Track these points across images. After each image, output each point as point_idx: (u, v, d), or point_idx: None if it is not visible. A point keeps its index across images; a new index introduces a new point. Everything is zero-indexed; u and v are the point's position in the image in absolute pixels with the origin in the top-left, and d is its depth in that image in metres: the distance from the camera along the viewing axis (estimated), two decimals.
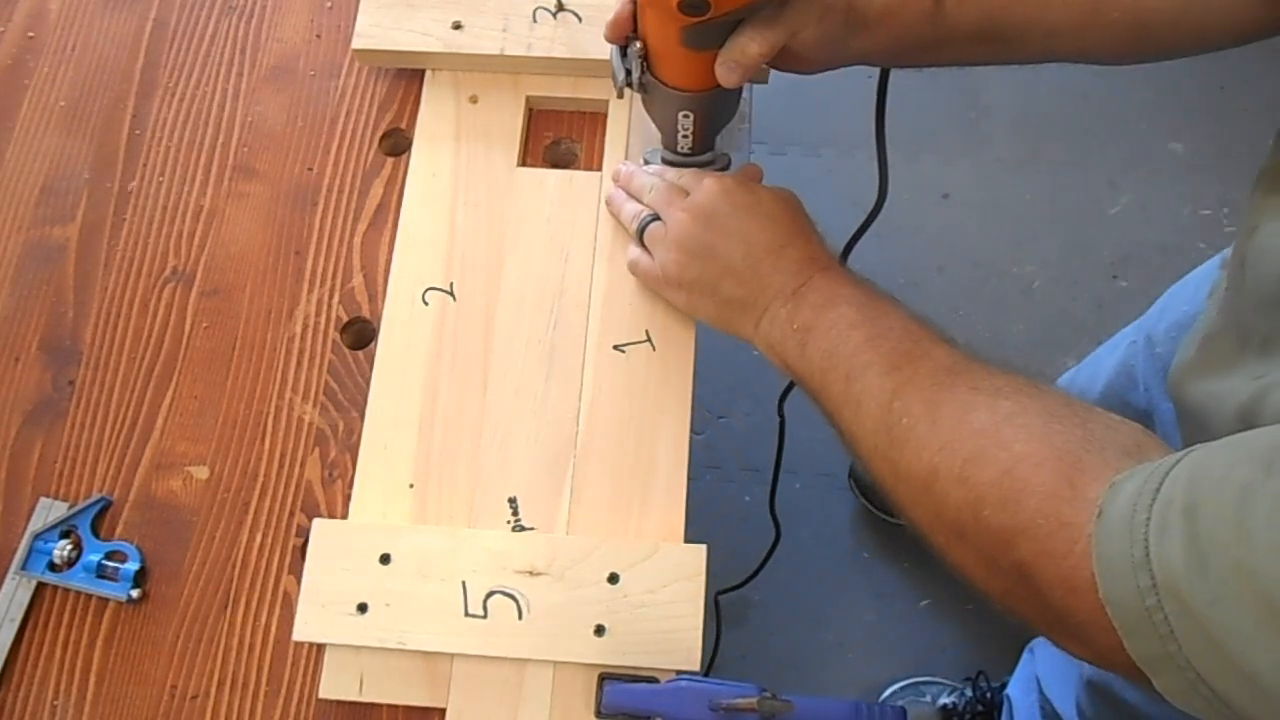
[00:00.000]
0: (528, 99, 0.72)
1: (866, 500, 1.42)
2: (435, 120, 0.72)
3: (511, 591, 0.58)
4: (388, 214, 0.71)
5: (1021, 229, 1.59)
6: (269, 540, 0.63)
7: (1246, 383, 0.46)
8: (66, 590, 0.62)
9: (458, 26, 0.71)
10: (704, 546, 0.59)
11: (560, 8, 0.71)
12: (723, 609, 0.79)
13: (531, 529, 0.61)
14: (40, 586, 0.62)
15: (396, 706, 0.59)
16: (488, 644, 0.57)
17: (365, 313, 0.68)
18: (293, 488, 0.64)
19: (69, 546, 0.62)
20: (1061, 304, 1.55)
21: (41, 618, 0.62)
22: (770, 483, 0.85)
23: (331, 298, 0.69)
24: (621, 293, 0.67)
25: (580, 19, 0.71)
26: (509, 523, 0.61)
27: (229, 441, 0.65)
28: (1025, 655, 1.16)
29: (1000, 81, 1.65)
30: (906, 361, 0.52)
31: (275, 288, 0.69)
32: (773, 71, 0.63)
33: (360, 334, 0.68)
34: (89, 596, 0.62)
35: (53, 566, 0.62)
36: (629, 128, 0.71)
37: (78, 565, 0.62)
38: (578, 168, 0.72)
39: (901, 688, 1.34)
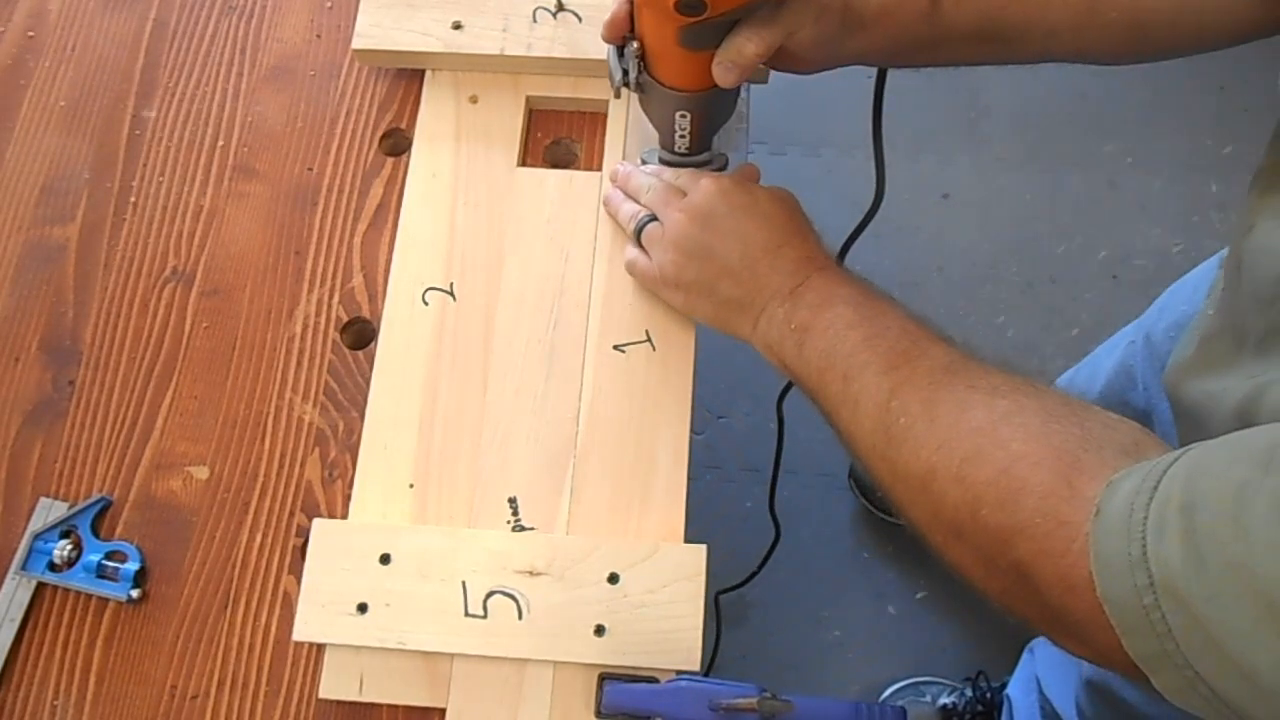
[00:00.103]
0: (528, 99, 0.72)
1: (866, 500, 1.42)
2: (435, 120, 0.72)
3: (511, 591, 0.58)
4: (388, 214, 0.71)
5: (1021, 229, 1.59)
6: (269, 540, 0.63)
7: (1243, 382, 0.46)
8: (66, 590, 0.62)
9: (458, 26, 0.71)
10: (704, 546, 0.59)
11: (560, 8, 0.71)
12: (723, 609, 0.79)
13: (531, 529, 0.61)
14: (40, 586, 0.62)
15: (396, 706, 0.59)
16: (488, 644, 0.57)
17: (365, 313, 0.68)
18: (293, 488, 0.64)
19: (69, 546, 0.62)
20: (1061, 304, 1.55)
21: (41, 618, 0.62)
22: (770, 483, 0.85)
23: (331, 298, 0.69)
24: (621, 293, 0.67)
25: (580, 19, 0.71)
26: (509, 523, 0.61)
27: (229, 441, 0.66)
28: (1025, 655, 1.16)
29: (1000, 81, 1.65)
30: (904, 361, 0.52)
31: (275, 288, 0.69)
32: (772, 72, 0.64)
33: (360, 334, 0.68)
34: (89, 596, 0.62)
35: (53, 566, 0.62)
36: (628, 128, 0.71)
37: (78, 565, 0.62)
38: (578, 168, 0.72)
39: (901, 688, 1.34)
